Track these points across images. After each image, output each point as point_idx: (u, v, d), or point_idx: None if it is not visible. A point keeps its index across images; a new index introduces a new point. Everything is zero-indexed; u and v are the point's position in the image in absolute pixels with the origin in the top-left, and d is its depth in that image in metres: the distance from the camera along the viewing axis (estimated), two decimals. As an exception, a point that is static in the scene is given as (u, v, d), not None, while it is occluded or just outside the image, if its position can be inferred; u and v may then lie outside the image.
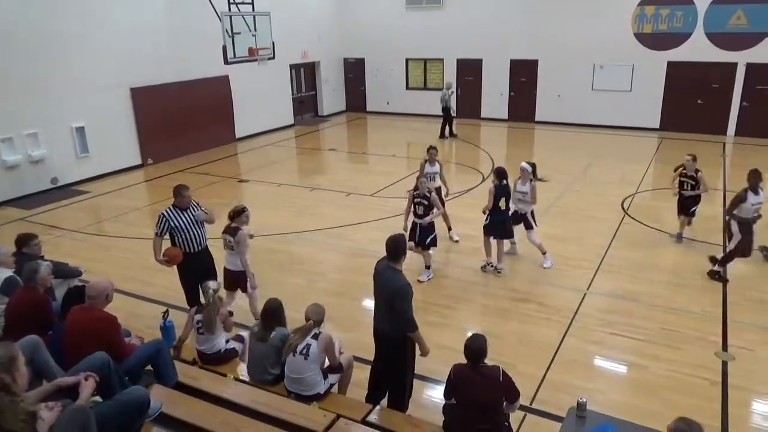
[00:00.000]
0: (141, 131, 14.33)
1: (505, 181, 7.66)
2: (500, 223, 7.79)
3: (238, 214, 6.35)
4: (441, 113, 17.23)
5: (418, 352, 4.80)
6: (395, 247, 4.59)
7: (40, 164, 12.23)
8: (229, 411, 4.16)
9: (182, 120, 15.26)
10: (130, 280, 7.79)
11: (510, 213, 7.95)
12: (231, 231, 6.30)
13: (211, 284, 5.20)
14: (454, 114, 17.49)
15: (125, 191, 12.69)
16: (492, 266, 8.03)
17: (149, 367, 4.53)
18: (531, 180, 7.91)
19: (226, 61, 13.23)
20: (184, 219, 6.23)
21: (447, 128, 17.28)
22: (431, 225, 7.66)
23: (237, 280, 6.50)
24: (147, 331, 5.89)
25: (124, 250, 9.26)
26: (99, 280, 4.52)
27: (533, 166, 8.03)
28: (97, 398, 3.54)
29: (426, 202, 7.57)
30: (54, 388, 3.41)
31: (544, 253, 8.17)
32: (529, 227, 8.11)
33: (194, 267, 6.26)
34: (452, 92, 17.45)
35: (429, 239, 7.67)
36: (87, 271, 6.84)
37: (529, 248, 8.75)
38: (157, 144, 14.72)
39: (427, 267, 7.86)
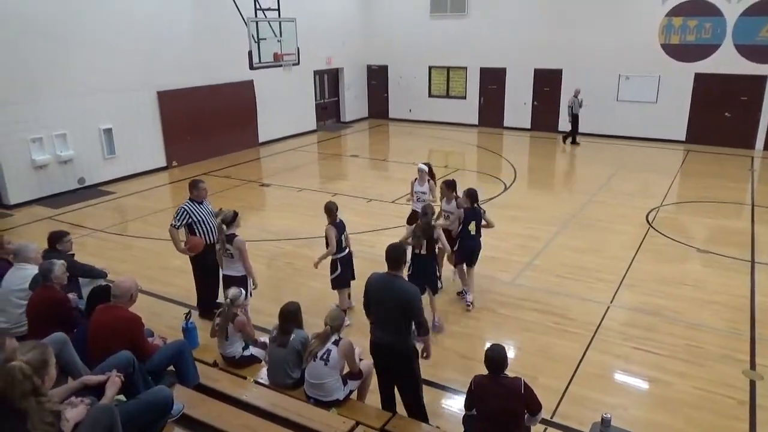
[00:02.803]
0: (166, 134, 14.54)
1: (476, 205, 7.17)
2: (470, 250, 7.15)
3: (231, 221, 6.03)
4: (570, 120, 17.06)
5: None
6: (397, 255, 4.57)
7: (68, 164, 12.46)
8: (248, 414, 4.17)
9: (207, 123, 15.47)
10: (150, 280, 7.86)
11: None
12: (228, 239, 5.98)
13: (230, 292, 5.21)
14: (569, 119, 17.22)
15: (150, 192, 12.87)
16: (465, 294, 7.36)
17: (171, 368, 4.57)
18: (429, 180, 7.99)
19: (251, 66, 13.35)
20: (202, 211, 6.52)
21: (574, 135, 17.24)
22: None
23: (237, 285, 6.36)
24: (166, 330, 5.94)
25: (146, 250, 9.37)
26: (124, 280, 4.53)
27: (429, 166, 8.12)
28: (121, 397, 3.58)
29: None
30: (80, 386, 3.45)
31: None
32: None
33: (209, 264, 6.40)
34: (579, 99, 16.78)
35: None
36: (110, 272, 6.92)
37: (551, 261, 8.68)
38: (182, 146, 14.92)
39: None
